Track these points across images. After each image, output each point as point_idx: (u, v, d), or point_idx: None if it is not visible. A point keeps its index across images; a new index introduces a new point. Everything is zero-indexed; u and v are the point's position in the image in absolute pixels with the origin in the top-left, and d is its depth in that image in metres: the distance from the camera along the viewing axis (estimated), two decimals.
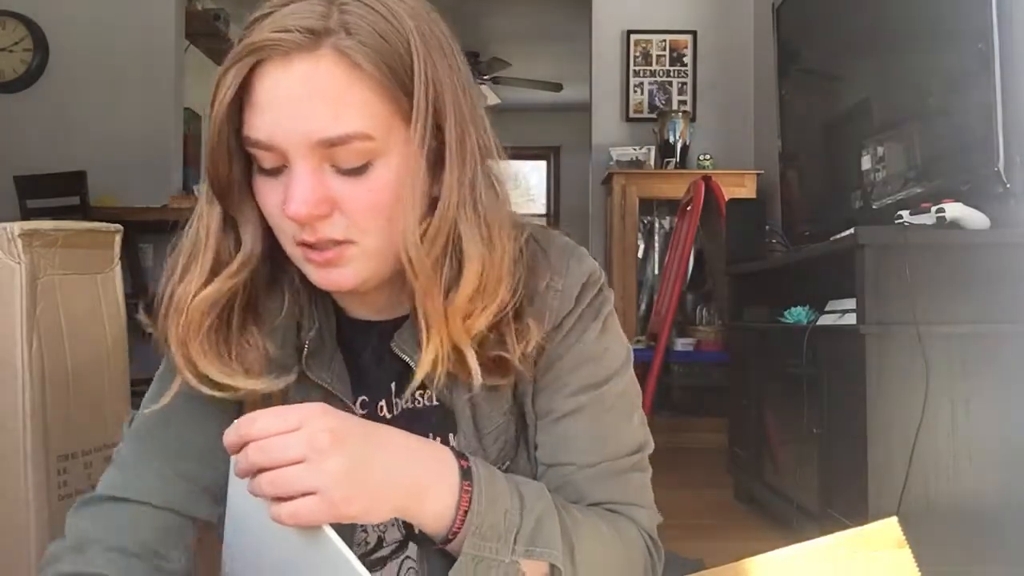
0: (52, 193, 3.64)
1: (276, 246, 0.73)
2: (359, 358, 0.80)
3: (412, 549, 0.81)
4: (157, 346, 0.75)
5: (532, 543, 0.69)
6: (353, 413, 0.77)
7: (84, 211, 3.55)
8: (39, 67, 4.28)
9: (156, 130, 4.33)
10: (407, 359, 0.75)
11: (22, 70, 4.27)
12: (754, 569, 0.72)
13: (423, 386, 0.76)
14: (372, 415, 0.80)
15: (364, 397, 0.80)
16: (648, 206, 4.02)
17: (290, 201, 0.66)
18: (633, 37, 4.25)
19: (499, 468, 0.77)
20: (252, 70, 0.66)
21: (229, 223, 0.73)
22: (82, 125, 4.25)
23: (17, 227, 0.92)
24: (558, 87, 6.89)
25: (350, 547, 0.67)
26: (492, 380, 0.74)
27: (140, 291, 4.07)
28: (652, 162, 4.00)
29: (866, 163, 2.36)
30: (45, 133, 4.23)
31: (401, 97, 0.67)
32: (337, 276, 0.71)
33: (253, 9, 0.69)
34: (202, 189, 0.74)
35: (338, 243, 0.69)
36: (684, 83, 4.24)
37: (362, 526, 0.81)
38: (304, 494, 0.60)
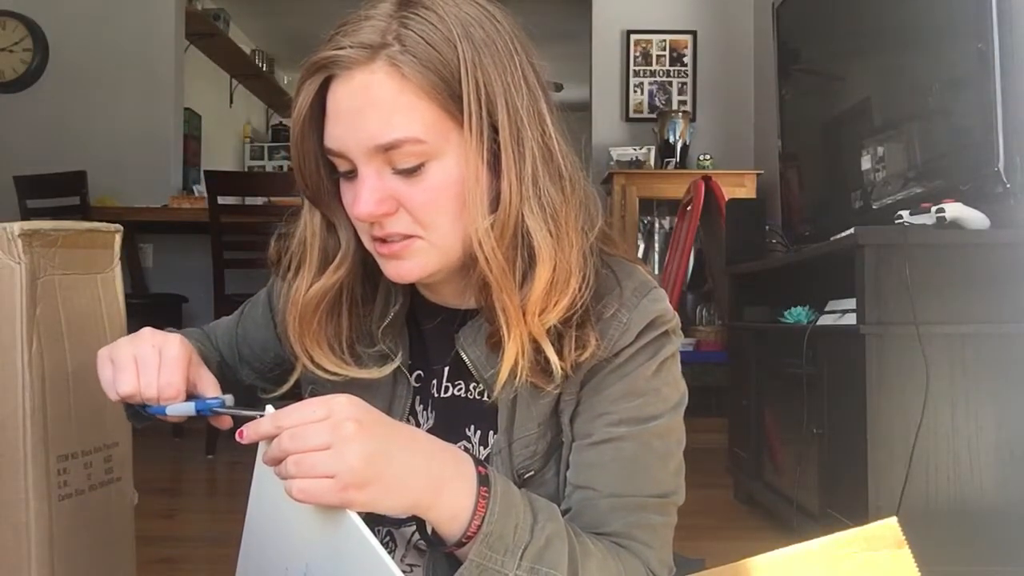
0: (52, 193, 3.64)
1: None
2: (425, 338, 0.86)
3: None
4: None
5: (538, 561, 0.70)
6: (407, 382, 0.85)
7: (84, 211, 3.54)
8: (39, 67, 4.28)
9: (156, 130, 4.33)
10: (464, 355, 0.81)
11: (22, 70, 4.27)
12: (754, 569, 0.72)
13: (475, 379, 0.81)
14: (424, 389, 0.86)
15: (420, 372, 0.86)
16: (648, 206, 4.01)
17: (356, 203, 0.74)
18: (633, 37, 4.25)
19: (519, 476, 0.79)
20: (326, 84, 0.74)
21: (330, 224, 0.81)
22: (82, 125, 4.25)
23: (17, 227, 0.91)
24: (558, 87, 6.89)
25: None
26: (537, 379, 0.76)
27: (140, 291, 4.07)
28: (652, 162, 4.00)
29: (866, 163, 2.36)
30: (45, 133, 4.23)
31: (451, 102, 0.72)
32: (403, 268, 0.77)
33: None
34: (302, 197, 0.82)
35: (406, 237, 0.75)
36: (684, 83, 4.24)
37: None
38: (323, 477, 0.63)
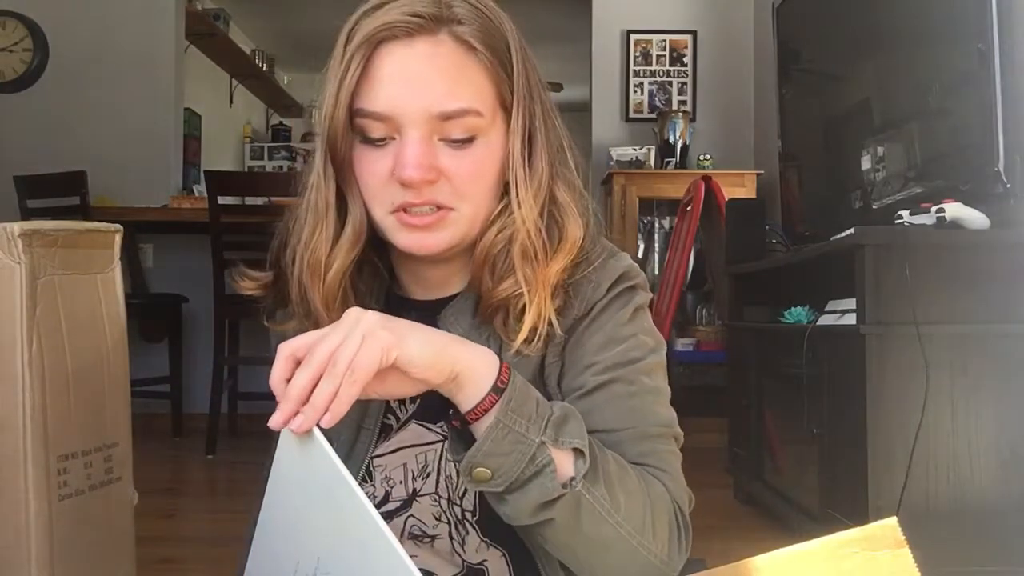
0: (52, 193, 3.64)
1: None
2: None
3: (416, 508, 0.83)
4: (268, 316, 0.87)
5: (560, 432, 0.71)
6: None
7: (84, 211, 3.54)
8: (39, 67, 4.28)
9: (156, 130, 4.32)
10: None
11: (22, 70, 4.27)
12: (754, 569, 0.72)
13: None
14: None
15: None
16: (648, 206, 4.02)
17: (404, 165, 0.74)
18: (633, 37, 4.25)
19: None
20: (373, 50, 0.75)
21: (341, 198, 0.81)
22: (82, 125, 4.25)
23: (17, 227, 0.91)
24: (558, 87, 6.89)
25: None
26: (524, 347, 0.79)
27: (140, 291, 4.07)
28: (652, 162, 4.00)
29: (866, 163, 2.36)
30: (45, 133, 4.23)
31: (504, 83, 0.78)
32: (431, 240, 0.78)
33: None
34: (316, 163, 0.80)
35: (438, 209, 0.77)
36: (684, 83, 4.24)
37: (365, 478, 0.84)
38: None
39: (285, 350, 0.67)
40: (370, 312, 0.68)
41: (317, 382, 0.64)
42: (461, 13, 0.76)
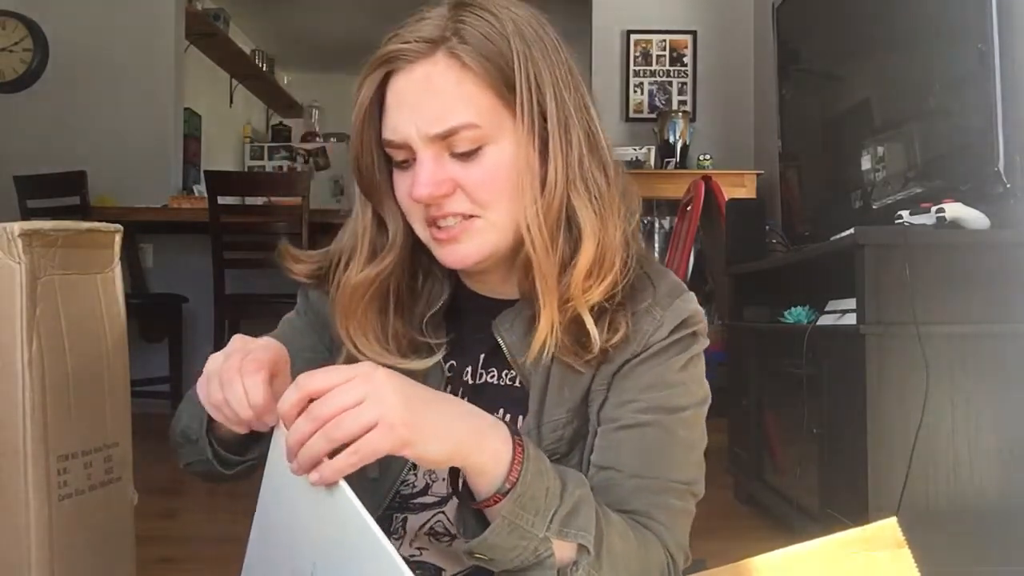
0: (52, 193, 3.64)
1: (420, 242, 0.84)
2: (462, 328, 0.88)
3: (450, 507, 0.84)
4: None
5: (567, 525, 0.71)
6: (441, 372, 0.87)
7: (84, 211, 3.55)
8: (39, 67, 4.29)
9: (156, 130, 4.33)
10: (500, 340, 0.84)
11: (22, 70, 4.27)
12: (754, 569, 0.72)
13: (508, 365, 0.84)
14: (456, 378, 0.88)
15: (453, 362, 0.88)
16: (648, 206, 4.02)
17: (415, 185, 0.77)
18: (633, 37, 4.25)
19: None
20: (385, 80, 0.78)
21: (381, 220, 0.84)
22: (82, 125, 4.25)
23: (17, 227, 0.91)
24: None
25: (396, 487, 0.79)
26: (571, 358, 0.80)
27: (140, 291, 4.07)
28: (652, 162, 4.00)
29: (866, 163, 2.36)
30: (45, 133, 4.24)
31: (506, 90, 0.77)
32: (460, 251, 0.80)
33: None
34: (355, 192, 0.85)
35: (464, 219, 0.79)
36: (684, 83, 4.24)
37: (411, 468, 0.85)
38: (368, 429, 0.63)
39: (301, 387, 0.65)
40: (387, 381, 0.65)
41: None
42: (461, 28, 0.77)
